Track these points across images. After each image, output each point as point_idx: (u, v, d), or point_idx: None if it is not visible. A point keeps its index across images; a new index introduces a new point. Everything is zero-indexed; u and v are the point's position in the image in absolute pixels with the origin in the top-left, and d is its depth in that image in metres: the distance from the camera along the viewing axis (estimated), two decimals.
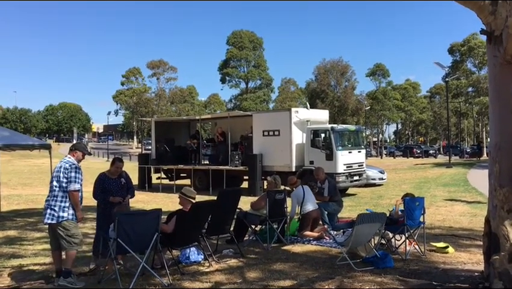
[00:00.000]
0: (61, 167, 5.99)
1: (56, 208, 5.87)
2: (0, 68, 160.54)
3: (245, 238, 8.71)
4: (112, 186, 6.69)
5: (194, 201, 6.94)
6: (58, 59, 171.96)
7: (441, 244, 7.72)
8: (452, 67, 58.75)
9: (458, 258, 7.07)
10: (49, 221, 5.89)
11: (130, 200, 7.06)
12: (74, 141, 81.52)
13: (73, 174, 5.92)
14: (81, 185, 6.01)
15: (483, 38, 5.69)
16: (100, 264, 6.51)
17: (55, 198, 5.90)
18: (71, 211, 5.93)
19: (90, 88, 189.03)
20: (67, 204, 5.91)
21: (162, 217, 6.11)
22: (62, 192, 5.91)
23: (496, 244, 5.22)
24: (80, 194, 6.01)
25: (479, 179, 21.81)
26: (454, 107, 66.96)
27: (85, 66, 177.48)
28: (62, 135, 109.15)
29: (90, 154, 6.91)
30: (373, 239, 7.26)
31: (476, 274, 5.93)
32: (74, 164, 6.03)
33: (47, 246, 8.21)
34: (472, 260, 6.92)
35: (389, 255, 6.76)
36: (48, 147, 13.07)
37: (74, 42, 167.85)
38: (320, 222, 9.47)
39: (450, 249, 7.50)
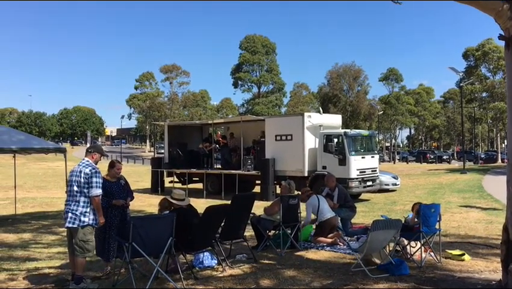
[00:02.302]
0: (80, 172, 5.97)
1: (78, 213, 5.88)
2: (17, 72, 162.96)
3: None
4: (113, 189, 6.61)
5: (182, 202, 6.93)
6: (72, 63, 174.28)
7: (457, 252, 7.62)
8: (466, 72, 58.19)
9: (474, 266, 6.97)
10: (70, 225, 5.91)
11: (131, 202, 7.04)
12: (88, 145, 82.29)
13: (94, 179, 5.92)
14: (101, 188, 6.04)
15: (499, 43, 5.63)
16: (109, 268, 6.55)
17: (76, 203, 5.91)
18: (92, 216, 5.96)
19: (103, 92, 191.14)
20: (88, 209, 5.93)
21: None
22: (84, 197, 5.92)
23: None
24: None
25: (494, 185, 21.53)
26: (468, 112, 66.35)
27: (99, 70, 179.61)
28: (76, 138, 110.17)
29: (107, 156, 6.87)
30: (388, 246, 7.19)
31: (493, 282, 5.83)
32: (94, 168, 6.03)
33: (62, 249, 8.30)
34: (489, 268, 6.81)
35: (404, 262, 6.68)
36: (63, 151, 13.16)
37: (89, 46, 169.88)
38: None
39: (467, 257, 7.40)
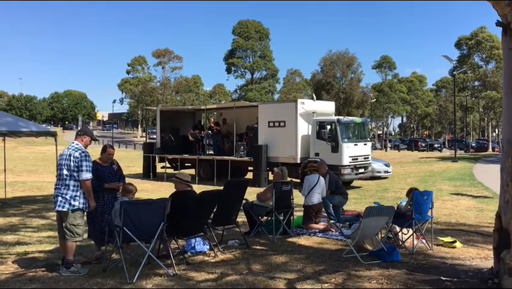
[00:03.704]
0: (70, 155, 5.89)
1: (68, 197, 5.83)
2: (7, 55, 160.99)
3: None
4: (105, 174, 6.54)
5: (189, 184, 6.91)
6: (63, 47, 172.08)
7: (449, 239, 7.65)
8: (459, 60, 58.27)
9: (465, 253, 7.00)
10: (60, 209, 5.85)
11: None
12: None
13: (84, 162, 5.86)
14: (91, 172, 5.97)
15: (493, 31, 5.60)
16: (100, 252, 6.51)
17: (66, 186, 5.85)
18: (82, 200, 5.92)
19: (95, 76, 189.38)
20: (79, 193, 5.89)
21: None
22: (74, 181, 5.86)
23: (507, 239, 5.14)
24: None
25: (485, 173, 21.69)
26: (460, 101, 66.58)
27: (91, 54, 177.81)
28: (67, 122, 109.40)
29: (96, 140, 6.79)
30: (379, 233, 7.20)
31: (484, 269, 5.86)
32: (84, 152, 5.95)
33: (52, 233, 8.23)
34: (480, 255, 6.84)
35: (396, 249, 6.70)
36: (54, 135, 13.00)
37: (81, 29, 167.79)
38: (325, 214, 9.43)
39: (458, 244, 7.43)
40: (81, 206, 5.91)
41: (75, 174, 5.85)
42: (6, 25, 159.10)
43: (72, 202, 5.84)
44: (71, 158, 5.87)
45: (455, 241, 7.50)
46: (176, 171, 20.56)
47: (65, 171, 5.86)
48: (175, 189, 6.90)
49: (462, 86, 61.05)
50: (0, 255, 6.93)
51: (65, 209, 5.83)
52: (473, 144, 57.67)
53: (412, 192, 7.36)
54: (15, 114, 77.32)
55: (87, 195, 5.94)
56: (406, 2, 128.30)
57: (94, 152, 6.66)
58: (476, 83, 60.33)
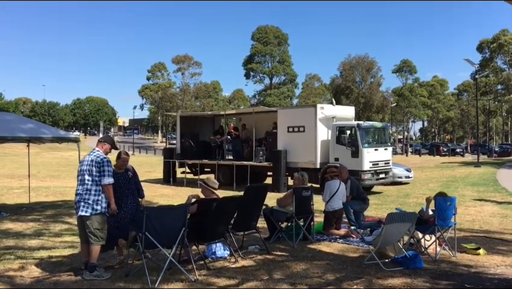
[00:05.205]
0: (92, 160, 6.05)
1: (90, 201, 5.96)
2: (30, 62, 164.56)
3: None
4: (120, 180, 6.61)
5: (215, 191, 6.95)
6: (85, 54, 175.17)
7: (472, 246, 7.52)
8: (481, 64, 57.42)
9: (490, 260, 6.87)
10: (83, 214, 5.97)
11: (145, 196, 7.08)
12: (101, 135, 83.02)
13: (106, 168, 6.02)
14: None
15: None
16: (123, 257, 6.58)
17: (88, 191, 5.98)
18: (104, 204, 6.04)
19: (116, 83, 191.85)
20: (100, 197, 6.02)
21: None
22: (96, 186, 6.00)
23: None
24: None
25: (509, 178, 21.27)
26: (482, 105, 65.51)
27: (112, 61, 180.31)
28: (89, 128, 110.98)
29: (117, 148, 6.89)
30: (402, 239, 7.11)
31: (510, 277, 5.75)
32: (105, 158, 6.12)
33: (75, 238, 8.33)
34: (505, 262, 6.71)
35: (419, 256, 6.61)
36: (76, 141, 13.20)
37: (102, 36, 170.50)
38: (346, 220, 9.37)
39: (482, 251, 7.30)
40: (103, 210, 6.03)
41: (97, 178, 5.99)
42: (30, 33, 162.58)
43: (95, 206, 5.96)
44: (94, 164, 6.02)
45: (478, 248, 7.37)
46: (196, 176, 20.71)
47: (87, 176, 6.00)
48: (202, 195, 6.92)
49: (484, 90, 60.19)
50: (25, 259, 7.05)
51: (88, 214, 5.94)
52: (496, 149, 56.58)
53: (435, 198, 7.26)
54: (39, 120, 78.85)
55: (108, 199, 6.06)
56: (427, 3, 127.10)
57: (112, 157, 6.76)
58: (499, 86, 59.43)
